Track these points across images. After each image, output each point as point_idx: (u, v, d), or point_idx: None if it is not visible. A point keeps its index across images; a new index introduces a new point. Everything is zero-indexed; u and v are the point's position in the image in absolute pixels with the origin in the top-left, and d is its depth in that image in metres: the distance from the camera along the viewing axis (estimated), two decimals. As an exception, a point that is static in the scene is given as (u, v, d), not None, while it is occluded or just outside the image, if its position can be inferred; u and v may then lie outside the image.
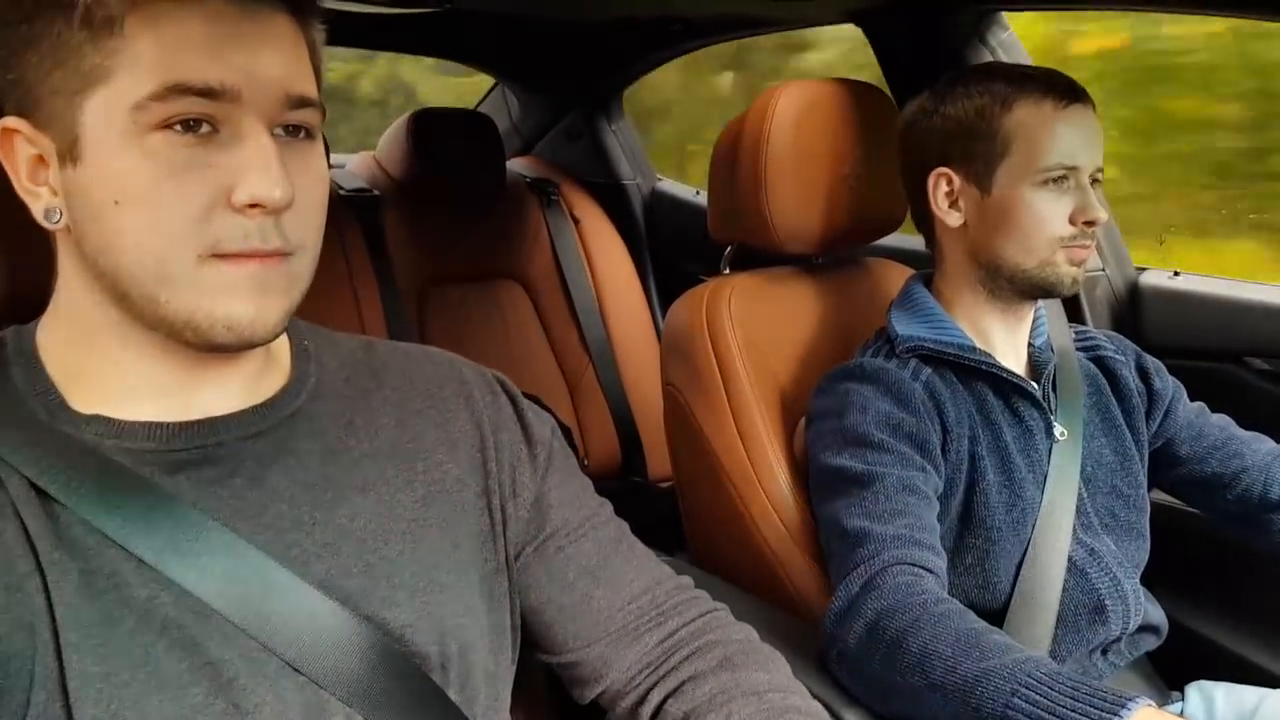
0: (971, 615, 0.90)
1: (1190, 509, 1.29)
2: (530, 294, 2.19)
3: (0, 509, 0.60)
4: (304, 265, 0.64)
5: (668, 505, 1.42)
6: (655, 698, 0.79)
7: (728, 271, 1.38)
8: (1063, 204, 1.06)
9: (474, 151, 2.12)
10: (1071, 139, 1.06)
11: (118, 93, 0.57)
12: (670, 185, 2.54)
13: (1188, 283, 1.56)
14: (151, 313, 0.61)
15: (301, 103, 0.62)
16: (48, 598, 0.59)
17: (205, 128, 0.58)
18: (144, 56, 0.57)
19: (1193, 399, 1.25)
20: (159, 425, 0.64)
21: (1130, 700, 0.76)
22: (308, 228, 0.64)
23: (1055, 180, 1.06)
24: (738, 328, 1.26)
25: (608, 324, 2.20)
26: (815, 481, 1.12)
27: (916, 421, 1.06)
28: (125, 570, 0.61)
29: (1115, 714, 0.75)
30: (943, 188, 1.13)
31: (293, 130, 0.63)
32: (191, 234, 0.58)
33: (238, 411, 0.67)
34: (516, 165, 2.37)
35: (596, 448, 2.13)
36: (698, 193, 2.43)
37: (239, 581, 0.63)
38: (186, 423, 0.65)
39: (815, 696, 0.81)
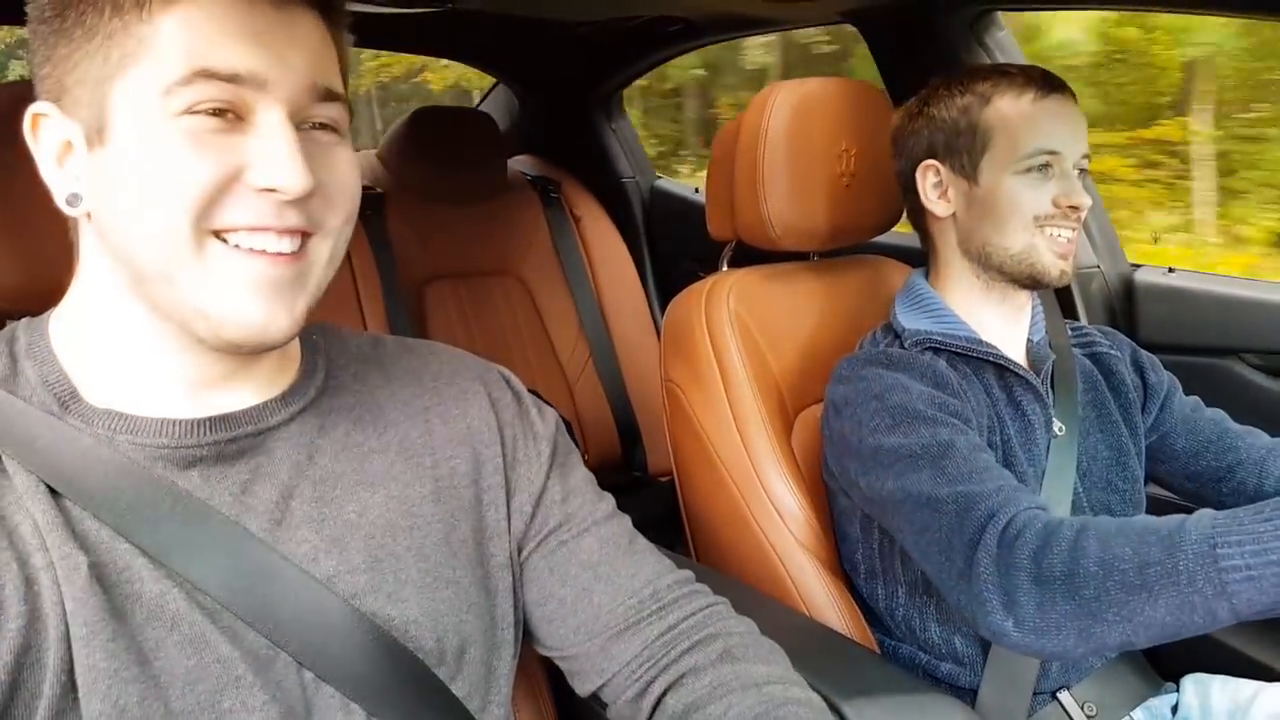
0: (1105, 517, 0.88)
1: (1186, 503, 1.29)
2: (530, 290, 2.20)
3: (13, 504, 0.61)
4: (321, 253, 0.65)
5: (668, 500, 1.43)
6: (656, 690, 0.79)
7: (726, 268, 1.39)
8: (1045, 190, 1.08)
9: (475, 149, 2.14)
10: (1050, 126, 1.08)
11: (147, 77, 0.58)
12: (669, 183, 2.55)
13: (1182, 279, 1.57)
14: (166, 297, 0.61)
15: (329, 95, 0.63)
16: (59, 591, 0.59)
17: (231, 116, 0.59)
18: (172, 42, 0.58)
19: (1187, 395, 1.26)
20: (173, 422, 0.65)
21: None
22: (332, 210, 0.64)
23: (1039, 168, 1.08)
24: (736, 324, 1.27)
25: (607, 320, 2.21)
26: (873, 464, 1.05)
27: (957, 401, 1.06)
28: (137, 565, 0.62)
29: None
30: (930, 179, 1.15)
31: (320, 127, 0.64)
32: (198, 206, 0.59)
33: (251, 407, 0.68)
34: (517, 163, 2.38)
35: (596, 443, 2.14)
36: (696, 190, 2.44)
37: (246, 577, 0.64)
38: (200, 420, 0.65)
39: (816, 690, 0.80)
